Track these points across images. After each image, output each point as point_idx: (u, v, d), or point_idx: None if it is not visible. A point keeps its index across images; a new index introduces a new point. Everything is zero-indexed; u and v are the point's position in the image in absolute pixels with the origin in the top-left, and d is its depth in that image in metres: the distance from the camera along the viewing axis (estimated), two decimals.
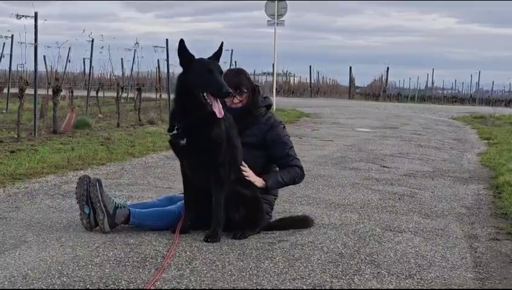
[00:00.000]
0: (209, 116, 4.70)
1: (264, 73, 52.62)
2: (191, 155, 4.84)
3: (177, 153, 4.95)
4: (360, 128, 17.27)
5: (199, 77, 4.66)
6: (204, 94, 4.66)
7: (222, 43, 4.86)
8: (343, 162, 9.82)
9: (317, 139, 13.39)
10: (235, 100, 5.21)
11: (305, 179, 7.88)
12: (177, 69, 4.94)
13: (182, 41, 4.73)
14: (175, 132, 4.78)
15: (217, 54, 4.83)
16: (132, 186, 7.15)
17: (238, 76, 5.25)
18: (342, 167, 9.22)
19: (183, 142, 4.77)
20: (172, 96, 5.37)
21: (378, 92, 50.70)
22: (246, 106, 5.24)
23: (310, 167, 9.05)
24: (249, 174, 5.04)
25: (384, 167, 9.45)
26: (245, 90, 5.22)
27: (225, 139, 4.83)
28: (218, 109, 4.66)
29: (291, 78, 54.85)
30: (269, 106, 5.44)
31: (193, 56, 4.77)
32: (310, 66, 52.85)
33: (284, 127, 5.44)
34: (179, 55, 4.73)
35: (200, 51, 4.85)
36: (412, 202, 6.74)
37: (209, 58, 4.80)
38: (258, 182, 5.09)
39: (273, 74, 29.12)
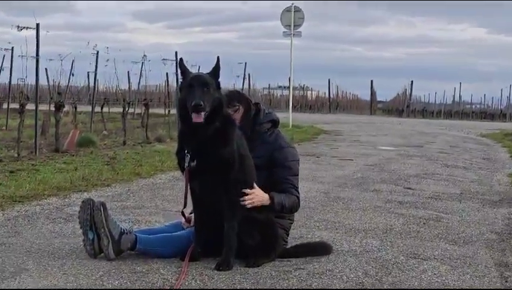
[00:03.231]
0: (217, 134, 4.74)
1: (280, 87, 52.77)
2: (202, 176, 4.85)
3: (185, 175, 4.95)
4: (382, 146, 17.25)
5: (183, 93, 4.82)
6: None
7: (218, 57, 4.97)
8: (364, 183, 9.80)
9: (336, 158, 13.36)
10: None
11: (323, 202, 7.97)
12: None
13: (181, 60, 5.05)
14: (187, 156, 4.80)
15: (215, 69, 4.92)
16: (139, 209, 7.18)
17: (231, 92, 5.60)
18: (362, 189, 9.21)
19: (193, 164, 4.79)
20: None
21: (402, 107, 50.67)
22: (244, 123, 5.25)
23: (328, 189, 9.06)
24: (257, 193, 5.01)
25: (408, 188, 9.43)
26: (236, 104, 5.29)
27: (237, 158, 4.86)
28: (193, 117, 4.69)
29: (309, 93, 54.87)
30: (275, 122, 5.47)
31: (187, 73, 4.90)
32: (329, 80, 52.88)
33: (295, 152, 5.47)
34: (180, 74, 4.97)
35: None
36: (437, 227, 6.71)
37: (207, 73, 4.90)
38: (266, 200, 5.06)
39: (289, 87, 29.16)
